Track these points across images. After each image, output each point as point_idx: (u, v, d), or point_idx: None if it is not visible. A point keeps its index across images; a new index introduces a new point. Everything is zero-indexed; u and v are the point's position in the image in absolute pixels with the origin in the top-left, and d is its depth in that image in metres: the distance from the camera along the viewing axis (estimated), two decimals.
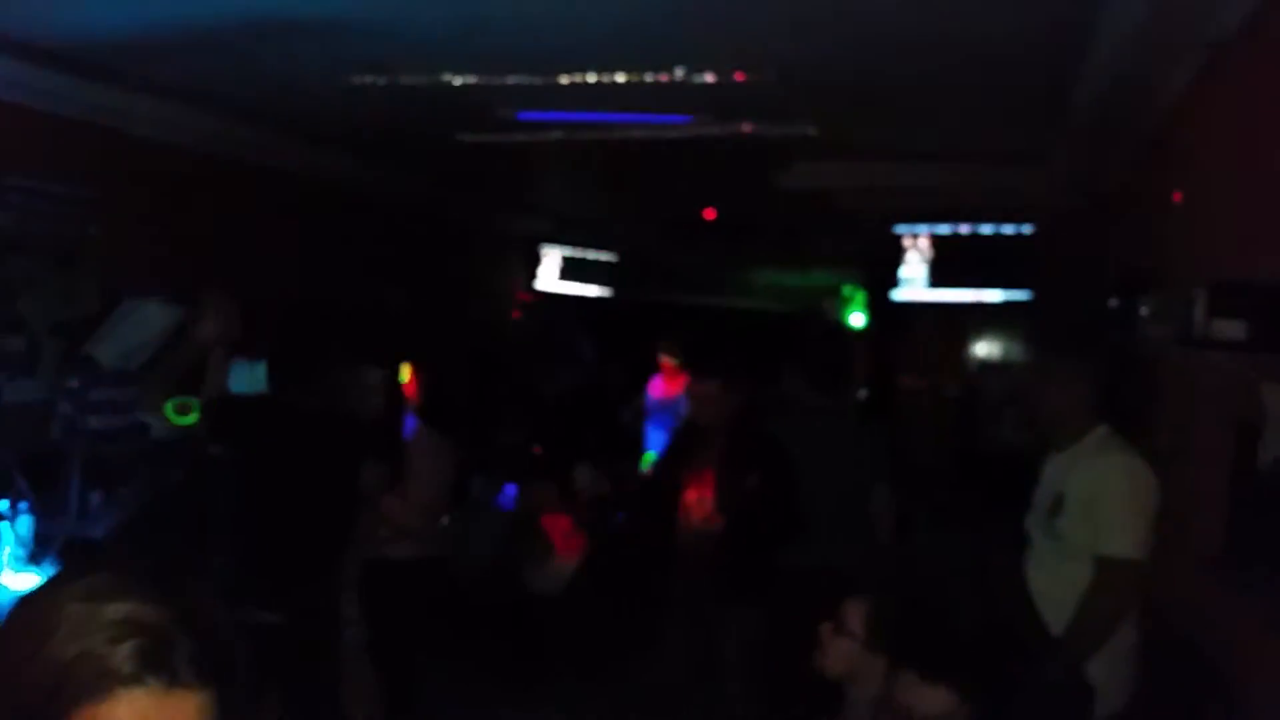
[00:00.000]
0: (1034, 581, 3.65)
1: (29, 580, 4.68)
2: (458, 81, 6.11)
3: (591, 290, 13.14)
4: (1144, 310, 3.95)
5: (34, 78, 5.95)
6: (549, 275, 12.80)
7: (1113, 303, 4.93)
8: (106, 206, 6.67)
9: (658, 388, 8.36)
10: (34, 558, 4.79)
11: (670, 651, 4.75)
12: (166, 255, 6.94)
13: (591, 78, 6.00)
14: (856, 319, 12.60)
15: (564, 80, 6.03)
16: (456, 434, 5.61)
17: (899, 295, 9.71)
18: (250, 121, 7.55)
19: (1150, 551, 3.37)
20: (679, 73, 5.87)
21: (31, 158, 5.79)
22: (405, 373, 5.36)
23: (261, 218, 8.14)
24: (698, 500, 4.69)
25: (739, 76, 5.88)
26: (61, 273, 6.36)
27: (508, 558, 5.92)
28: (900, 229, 9.64)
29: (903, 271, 9.66)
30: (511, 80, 6.06)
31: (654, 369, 8.39)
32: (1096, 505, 3.41)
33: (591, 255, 13.09)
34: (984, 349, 10.14)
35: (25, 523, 4.87)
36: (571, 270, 12.95)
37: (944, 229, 9.59)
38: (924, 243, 9.66)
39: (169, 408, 4.38)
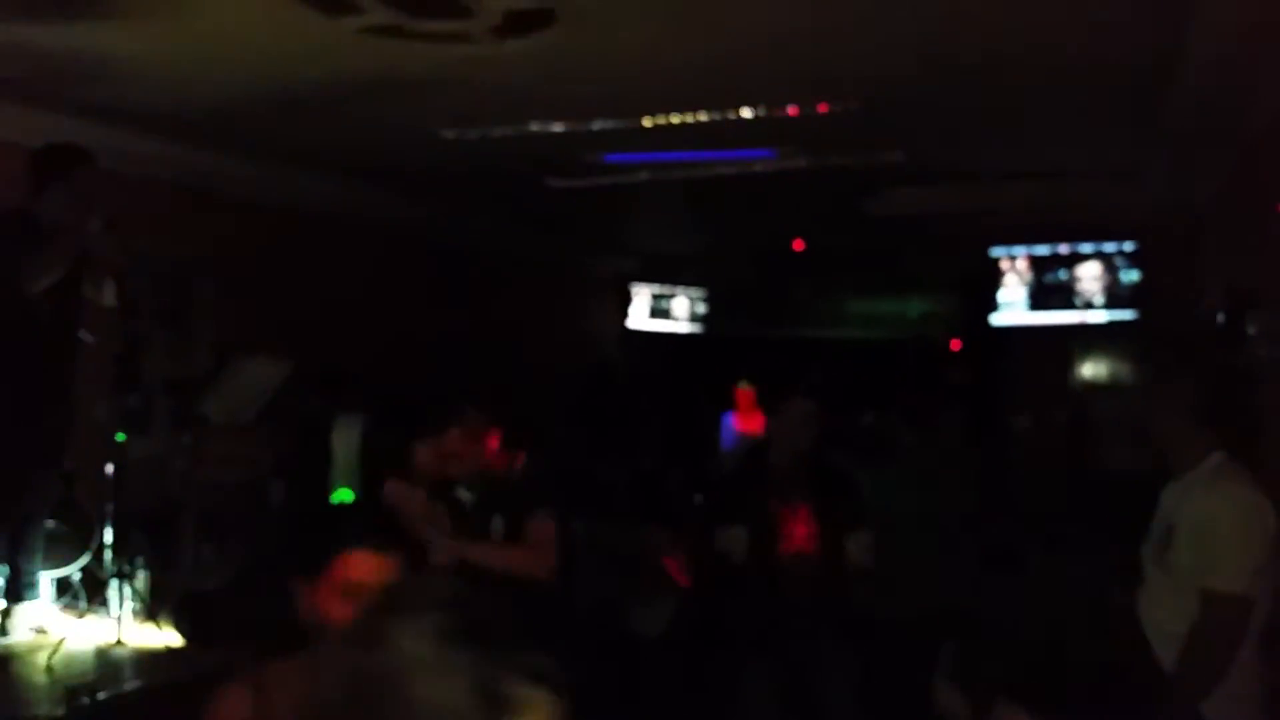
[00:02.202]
0: (1147, 616, 3.47)
1: (147, 634, 4.83)
2: (543, 129, 6.22)
3: (682, 327, 13.14)
4: (1251, 326, 3.80)
5: (143, 146, 6.22)
6: (639, 314, 12.85)
7: (1219, 319, 4.77)
8: (214, 268, 6.92)
9: (735, 422, 8.30)
10: (150, 611, 4.93)
11: (767, 693, 4.59)
12: (272, 312, 7.16)
13: (675, 118, 6.05)
14: (955, 345, 12.38)
15: (647, 122, 6.09)
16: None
17: (998, 319, 9.53)
18: (347, 179, 7.78)
19: (1266, 586, 3.20)
20: (761, 108, 5.89)
21: (142, 223, 6.04)
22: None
23: (361, 272, 8.35)
24: (806, 536, 4.48)
25: (822, 108, 5.87)
26: (173, 333, 6.62)
27: (614, 598, 5.90)
28: (997, 251, 9.48)
29: (1001, 294, 9.49)
30: (597, 125, 6.15)
31: (731, 403, 8.34)
32: (1204, 537, 3.24)
33: (681, 292, 13.11)
34: (1089, 371, 9.88)
35: (143, 578, 5.03)
36: (661, 308, 12.98)
37: (1043, 249, 9.40)
38: (1022, 264, 9.48)
39: None
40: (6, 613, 4.70)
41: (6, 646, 4.58)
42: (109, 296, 4.78)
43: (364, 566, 2.11)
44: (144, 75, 5.35)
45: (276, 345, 6.16)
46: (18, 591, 4.72)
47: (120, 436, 5.13)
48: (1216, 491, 3.23)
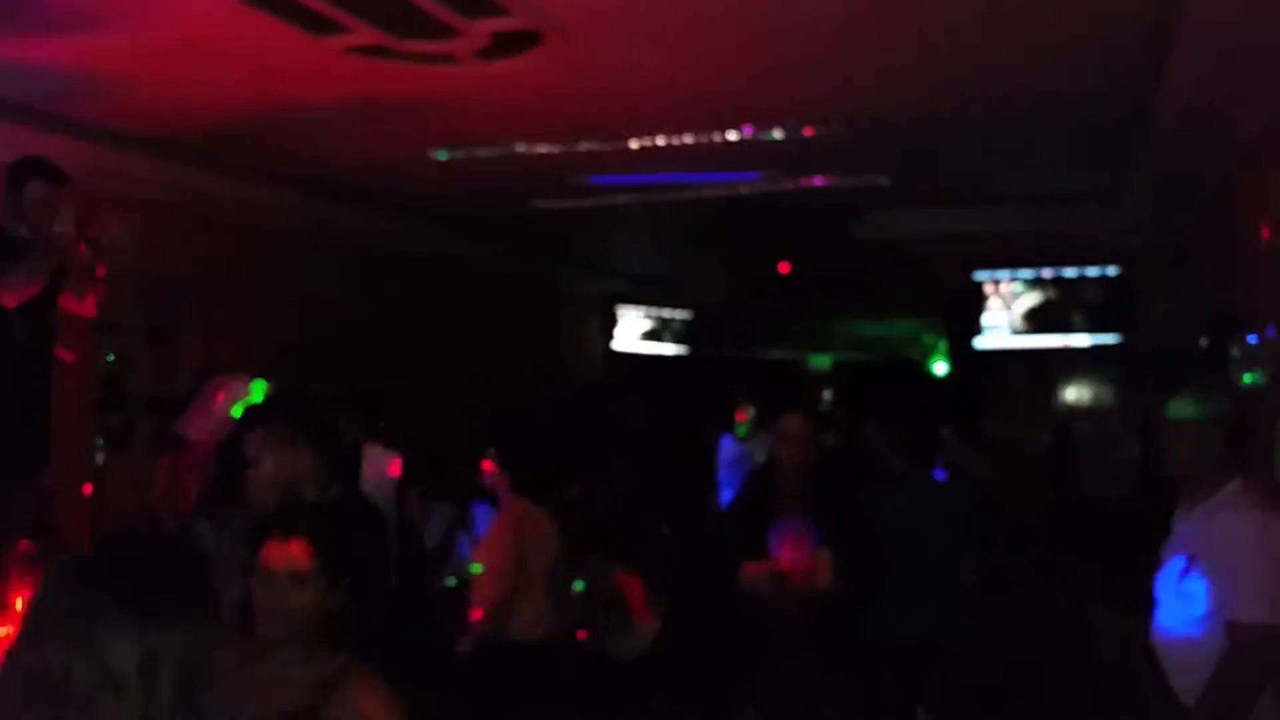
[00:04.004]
0: (1162, 647, 3.42)
1: None
2: (530, 150, 6.22)
3: (668, 348, 13.16)
4: (1235, 351, 3.80)
5: (128, 163, 6.20)
6: (626, 335, 12.86)
7: (1202, 343, 4.78)
8: (198, 286, 6.89)
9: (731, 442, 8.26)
10: None
11: (756, 716, 4.58)
12: (255, 331, 7.12)
13: (661, 140, 6.06)
14: (939, 368, 12.42)
15: (634, 144, 6.10)
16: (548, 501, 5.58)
17: (982, 343, 9.56)
18: (333, 198, 7.76)
19: None
20: (747, 131, 5.91)
21: (128, 240, 6.01)
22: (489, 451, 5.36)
23: (346, 291, 8.32)
24: (795, 556, 4.47)
25: (808, 131, 5.89)
26: (158, 352, 6.56)
27: (585, 624, 5.85)
28: (981, 275, 9.52)
29: (985, 318, 9.52)
30: (583, 147, 6.15)
31: (729, 425, 8.29)
32: (1228, 566, 3.17)
33: (667, 314, 13.13)
34: (1073, 395, 9.90)
35: None
36: (648, 329, 13.00)
37: (1026, 274, 9.44)
38: (1006, 288, 9.52)
39: None
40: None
41: None
42: (90, 307, 4.74)
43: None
44: (131, 92, 5.33)
45: (259, 365, 6.12)
46: None
47: (99, 456, 5.07)
48: (1240, 518, 3.15)
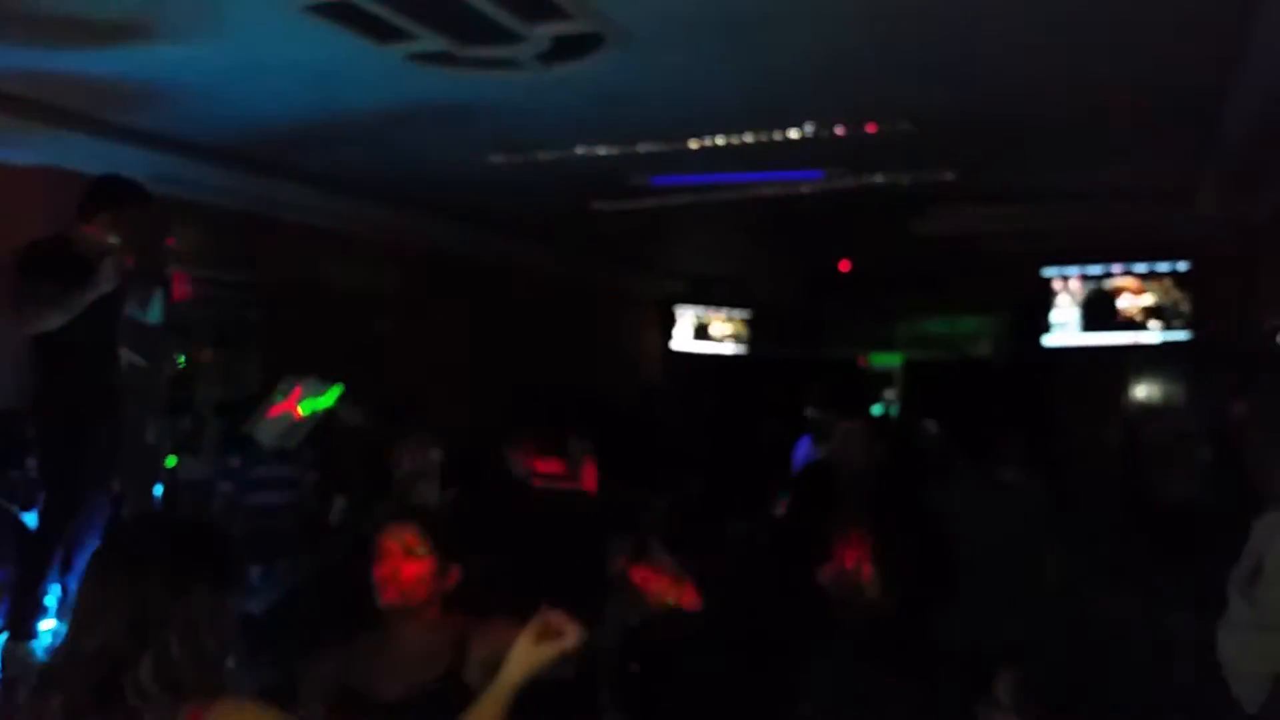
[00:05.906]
0: (1225, 650, 3.32)
1: None
2: (589, 153, 6.21)
3: (727, 349, 13.08)
4: None
5: (190, 171, 6.29)
6: (684, 335, 12.80)
7: (1278, 340, 4.65)
8: (263, 291, 6.98)
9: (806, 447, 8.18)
10: None
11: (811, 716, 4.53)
12: (319, 335, 7.21)
13: (721, 140, 6.02)
14: (1005, 366, 12.21)
15: (694, 144, 6.07)
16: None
17: (1050, 340, 9.41)
18: (394, 204, 7.82)
19: None
20: (809, 128, 5.84)
21: (193, 247, 6.10)
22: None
23: (407, 296, 8.39)
24: (858, 561, 4.44)
25: (871, 128, 5.81)
26: (224, 355, 6.67)
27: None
28: (1049, 271, 9.37)
29: (1053, 315, 9.37)
30: (642, 148, 6.13)
31: (807, 426, 8.21)
32: None
33: (726, 313, 13.05)
34: (1143, 392, 9.70)
35: None
36: (706, 329, 12.93)
37: (1095, 269, 9.28)
38: (1075, 284, 9.36)
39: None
40: (58, 632, 4.74)
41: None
42: (155, 313, 4.81)
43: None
44: (194, 101, 5.41)
45: (325, 368, 6.18)
46: (67, 611, 4.77)
47: (171, 460, 5.15)
48: None
